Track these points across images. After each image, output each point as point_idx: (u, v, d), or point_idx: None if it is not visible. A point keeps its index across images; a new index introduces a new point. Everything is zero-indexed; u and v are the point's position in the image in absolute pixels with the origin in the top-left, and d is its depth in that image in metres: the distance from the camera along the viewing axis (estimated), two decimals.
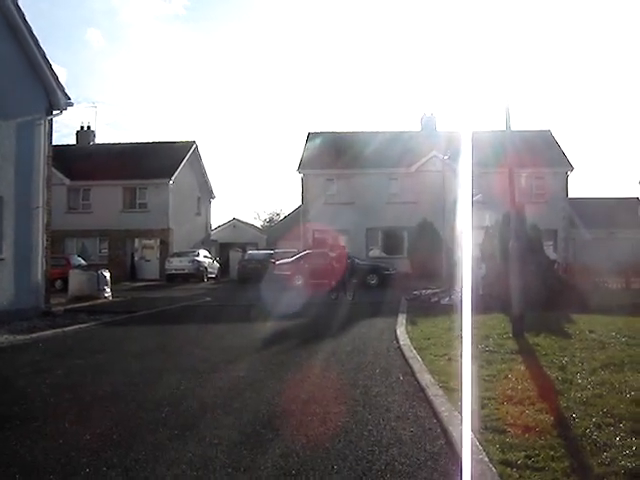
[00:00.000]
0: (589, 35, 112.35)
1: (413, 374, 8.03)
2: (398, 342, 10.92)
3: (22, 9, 16.24)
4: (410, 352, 9.62)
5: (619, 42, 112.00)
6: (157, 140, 47.10)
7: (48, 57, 17.22)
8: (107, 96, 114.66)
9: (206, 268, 39.03)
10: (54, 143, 18.64)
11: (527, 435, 5.04)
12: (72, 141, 48.13)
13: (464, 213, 15.78)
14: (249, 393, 7.31)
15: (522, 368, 7.87)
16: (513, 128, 11.79)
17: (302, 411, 6.34)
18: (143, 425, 5.91)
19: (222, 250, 49.85)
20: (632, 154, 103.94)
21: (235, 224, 64.37)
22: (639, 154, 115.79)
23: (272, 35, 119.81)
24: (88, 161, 42.09)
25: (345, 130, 44.71)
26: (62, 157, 35.27)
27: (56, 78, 17.70)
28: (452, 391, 6.69)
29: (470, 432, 5.12)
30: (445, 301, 18.68)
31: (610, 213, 48.04)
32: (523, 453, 4.61)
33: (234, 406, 6.66)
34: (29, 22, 16.45)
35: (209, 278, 39.33)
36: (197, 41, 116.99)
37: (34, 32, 16.56)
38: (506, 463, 4.43)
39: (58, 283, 26.48)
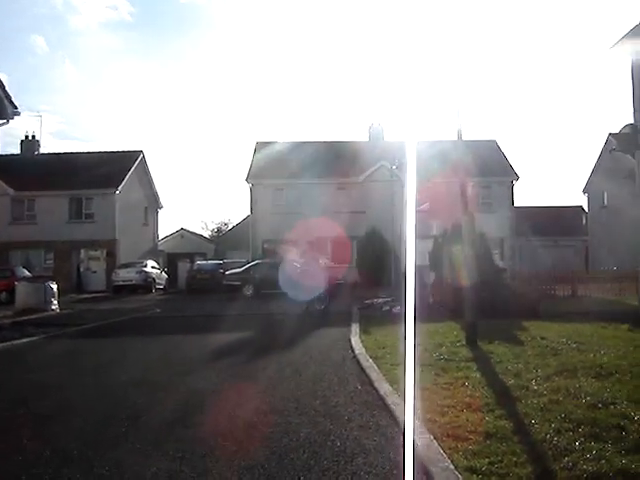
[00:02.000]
0: (534, 46, 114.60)
1: (371, 383, 8.08)
2: (353, 351, 10.97)
3: None
4: (366, 361, 9.68)
5: (561, 55, 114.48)
6: (103, 150, 46.48)
7: None
8: (50, 105, 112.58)
9: (154, 279, 38.60)
10: None
11: (489, 442, 5.13)
12: (15, 150, 47.27)
13: (409, 222, 15.96)
14: (208, 406, 7.29)
15: (478, 375, 7.99)
16: (461, 138, 11.95)
17: (263, 422, 6.33)
18: (104, 440, 5.83)
19: (170, 260, 49.33)
20: (576, 164, 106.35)
21: (183, 234, 64.06)
22: (582, 164, 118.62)
23: (220, 43, 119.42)
24: (33, 171, 41.22)
25: (293, 140, 44.68)
26: (6, 167, 34.72)
27: (2, 86, 17.36)
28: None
29: (434, 440, 5.20)
30: (396, 310, 18.78)
31: (555, 221, 49.20)
32: (487, 460, 4.68)
33: (193, 419, 6.62)
34: None
35: (157, 289, 38.86)
36: (144, 49, 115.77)
37: None
38: (471, 470, 4.50)
39: (3, 295, 25.99)
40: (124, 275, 36.90)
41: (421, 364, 8.80)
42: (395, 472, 4.76)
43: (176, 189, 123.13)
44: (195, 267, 39.22)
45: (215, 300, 27.49)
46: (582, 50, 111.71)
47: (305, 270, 21.58)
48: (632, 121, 16.73)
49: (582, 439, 5.09)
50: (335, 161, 40.54)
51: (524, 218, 44.83)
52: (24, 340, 14.03)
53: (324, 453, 5.27)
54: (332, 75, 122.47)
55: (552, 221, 49.42)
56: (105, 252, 41.07)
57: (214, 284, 32.89)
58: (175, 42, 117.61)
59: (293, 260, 25.35)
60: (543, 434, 5.28)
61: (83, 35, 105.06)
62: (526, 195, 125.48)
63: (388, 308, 19.52)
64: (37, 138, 46.99)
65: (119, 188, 40.91)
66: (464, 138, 12.25)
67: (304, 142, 43.90)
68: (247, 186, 41.18)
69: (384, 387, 7.59)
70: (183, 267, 42.20)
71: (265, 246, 40.60)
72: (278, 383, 8.64)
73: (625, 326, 12.77)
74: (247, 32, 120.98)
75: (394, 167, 35.78)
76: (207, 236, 74.15)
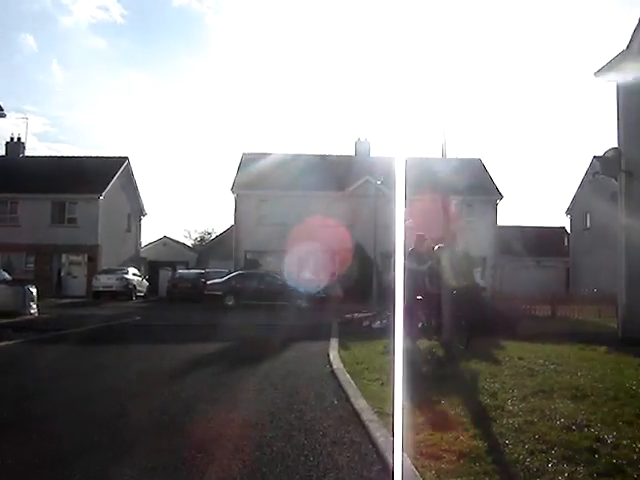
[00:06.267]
0: (522, 68, 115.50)
1: (347, 399, 8.04)
2: (331, 366, 10.92)
3: None
4: (344, 376, 9.65)
5: (549, 77, 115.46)
6: (89, 155, 46.52)
7: None
8: (36, 106, 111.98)
9: (135, 286, 38.49)
10: None
11: (462, 461, 5.12)
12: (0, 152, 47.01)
13: (397, 238, 15.98)
14: (183, 417, 7.22)
15: (454, 394, 7.98)
16: (446, 156, 12.00)
17: (238, 435, 6.29)
18: (77, 449, 5.77)
19: (152, 268, 49.15)
20: (560, 185, 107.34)
21: (166, 242, 63.83)
22: (566, 185, 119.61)
23: (210, 52, 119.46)
24: (17, 173, 41.10)
25: (280, 152, 44.72)
26: None
27: None
28: (387, 416, 6.73)
29: (407, 458, 5.18)
30: (376, 325, 18.79)
31: (538, 242, 49.47)
32: (459, 479, 4.68)
33: (168, 430, 6.57)
34: None
35: (138, 296, 38.75)
36: (134, 52, 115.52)
37: None
38: None
39: None
40: (105, 281, 36.77)
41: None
42: None
43: (160, 197, 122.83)
44: (177, 275, 39.18)
45: (196, 309, 27.39)
46: (570, 73, 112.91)
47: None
48: (616, 145, 16.87)
49: (555, 461, 5.10)
50: (321, 174, 40.66)
51: (507, 237, 45.08)
52: (2, 344, 13.89)
53: (297, 468, 5.23)
54: (321, 89, 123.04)
55: (535, 241, 49.65)
56: (87, 257, 41.00)
57: (195, 293, 32.84)
58: (165, 48, 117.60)
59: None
60: (516, 455, 5.28)
61: (72, 36, 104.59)
62: (510, 215, 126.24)
63: (368, 323, 19.52)
64: (22, 140, 46.79)
65: (103, 194, 40.84)
66: (449, 156, 12.34)
67: (291, 155, 43.97)
68: (232, 196, 41.18)
69: (360, 403, 7.56)
70: (165, 275, 42.18)
71: (248, 257, 40.57)
72: (254, 396, 8.59)
73: (603, 348, 12.82)
74: (238, 43, 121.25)
75: (379, 182, 35.86)
76: (190, 245, 74.01)
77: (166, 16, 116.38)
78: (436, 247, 12.29)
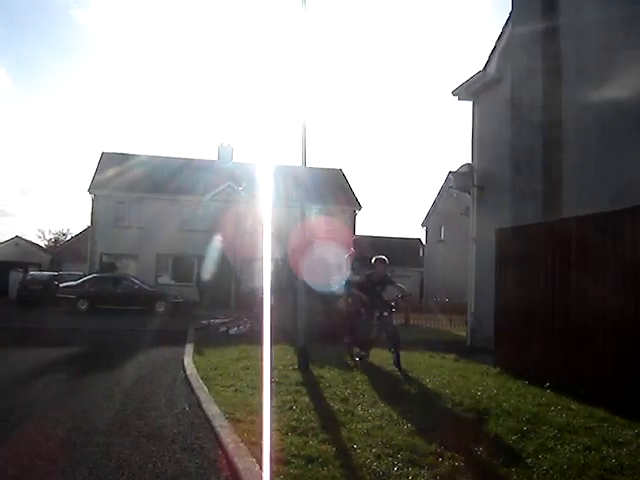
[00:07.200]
0: (385, 85, 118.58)
1: (199, 405, 7.97)
2: (185, 372, 10.78)
3: None
4: (197, 382, 9.55)
5: (413, 95, 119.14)
6: None
7: None
8: None
9: None
10: None
11: (310, 466, 5.17)
12: None
13: (263, 245, 15.97)
14: (25, 423, 6.93)
15: (306, 400, 8.05)
16: (306, 165, 12.09)
17: (84, 442, 6.10)
18: None
19: (1, 269, 46.83)
20: (417, 198, 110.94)
21: (17, 242, 61.08)
22: (423, 199, 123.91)
23: (70, 47, 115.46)
24: None
25: (140, 153, 43.69)
26: None
27: None
28: (238, 422, 6.72)
29: (256, 463, 5.19)
30: (233, 331, 18.73)
31: (394, 252, 50.74)
32: None
33: (10, 437, 6.29)
34: None
35: None
36: None
37: None
38: None
39: None
40: None
41: (252, 387, 8.81)
42: None
43: (13, 194, 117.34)
44: (28, 277, 37.46)
45: (47, 313, 26.31)
46: (433, 90, 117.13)
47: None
48: (470, 161, 17.63)
49: (400, 464, 5.24)
50: (182, 178, 40.00)
51: (364, 247, 46.07)
52: None
53: (144, 475, 5.14)
54: (184, 93, 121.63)
55: (391, 251, 50.95)
56: None
57: (47, 296, 31.53)
58: (24, 40, 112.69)
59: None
60: (364, 459, 5.38)
61: None
62: (367, 225, 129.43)
63: (225, 329, 19.40)
64: None
65: None
66: (310, 165, 12.45)
67: (152, 156, 43.06)
68: (89, 197, 39.83)
69: (212, 409, 7.50)
70: (15, 277, 40.24)
71: (104, 260, 39.41)
72: (104, 402, 8.35)
73: (452, 356, 13.33)
74: (102, 40, 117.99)
75: (241, 188, 35.81)
76: (44, 246, 71.22)
77: (28, 7, 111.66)
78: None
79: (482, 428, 6.61)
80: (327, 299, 15.20)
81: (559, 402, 8.02)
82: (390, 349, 11.27)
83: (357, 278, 11.90)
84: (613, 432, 6.46)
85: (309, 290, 12.09)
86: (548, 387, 8.92)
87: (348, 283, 12.33)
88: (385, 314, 11.40)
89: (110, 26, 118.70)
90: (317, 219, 38.86)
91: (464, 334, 18.38)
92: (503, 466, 5.23)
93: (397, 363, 10.88)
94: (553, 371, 9.40)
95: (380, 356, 12.18)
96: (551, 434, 6.33)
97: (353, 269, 12.27)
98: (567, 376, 9.06)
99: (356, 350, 12.14)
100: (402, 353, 11.09)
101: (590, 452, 5.69)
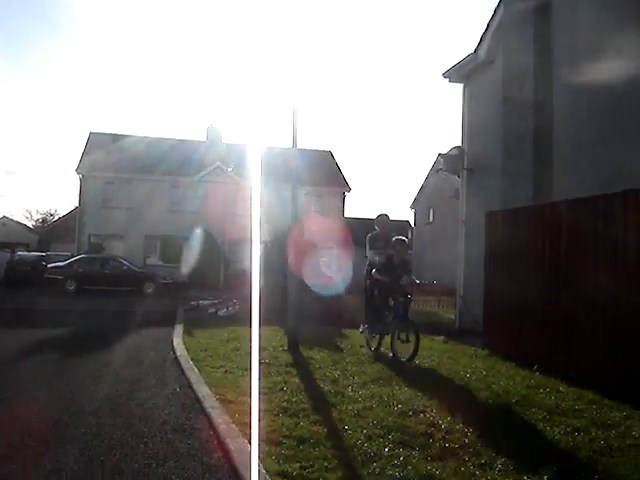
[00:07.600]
0: (375, 65, 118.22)
1: (190, 386, 7.98)
2: (175, 353, 10.78)
3: None
4: (187, 363, 9.55)
5: (402, 76, 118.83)
6: None
7: None
8: None
9: None
10: None
11: (302, 447, 5.19)
12: None
13: (253, 226, 15.94)
14: (16, 404, 6.92)
15: (297, 381, 8.07)
16: (296, 146, 12.03)
17: (75, 423, 6.10)
18: None
19: None
20: (406, 180, 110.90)
21: (5, 222, 60.81)
22: (412, 181, 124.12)
23: (59, 28, 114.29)
24: None
25: (129, 133, 43.38)
26: None
27: None
28: (229, 403, 6.74)
29: (247, 444, 5.20)
30: (222, 312, 18.75)
31: None
32: (298, 464, 4.74)
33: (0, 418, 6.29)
34: None
35: None
36: None
37: None
38: (282, 474, 4.54)
39: None
40: None
41: (242, 368, 8.82)
42: (207, 476, 4.72)
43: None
44: (16, 258, 37.21)
45: (34, 294, 26.20)
46: (424, 72, 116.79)
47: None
48: (460, 143, 17.60)
49: (391, 445, 5.26)
50: (171, 159, 39.67)
51: (354, 229, 46.08)
52: None
53: (135, 456, 5.13)
54: (174, 73, 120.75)
55: None
56: None
57: (35, 277, 31.33)
58: (14, 19, 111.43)
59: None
60: (354, 440, 5.40)
61: None
62: (356, 207, 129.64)
63: (214, 310, 19.41)
64: None
65: None
66: (300, 146, 12.39)
67: (140, 137, 42.74)
68: (77, 177, 39.58)
69: (202, 390, 7.51)
70: (3, 257, 40.02)
71: (92, 240, 39.22)
72: (93, 383, 8.34)
73: (441, 338, 13.38)
74: (90, 20, 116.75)
75: (230, 169, 35.65)
76: (31, 226, 70.83)
77: None
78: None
79: (472, 410, 6.64)
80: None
81: (548, 384, 8.07)
82: (401, 338, 10.14)
83: (379, 258, 11.17)
84: (602, 414, 6.51)
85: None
86: (537, 369, 8.97)
87: (371, 265, 11.48)
88: (401, 299, 10.54)
89: (100, 4, 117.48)
90: (307, 200, 38.89)
91: (452, 316, 18.43)
92: (493, 447, 5.26)
93: (412, 357, 9.73)
94: (542, 354, 9.44)
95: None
96: (540, 416, 6.38)
97: (376, 248, 11.48)
98: (556, 358, 9.11)
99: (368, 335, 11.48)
100: (387, 336, 10.66)
101: (579, 434, 5.73)
